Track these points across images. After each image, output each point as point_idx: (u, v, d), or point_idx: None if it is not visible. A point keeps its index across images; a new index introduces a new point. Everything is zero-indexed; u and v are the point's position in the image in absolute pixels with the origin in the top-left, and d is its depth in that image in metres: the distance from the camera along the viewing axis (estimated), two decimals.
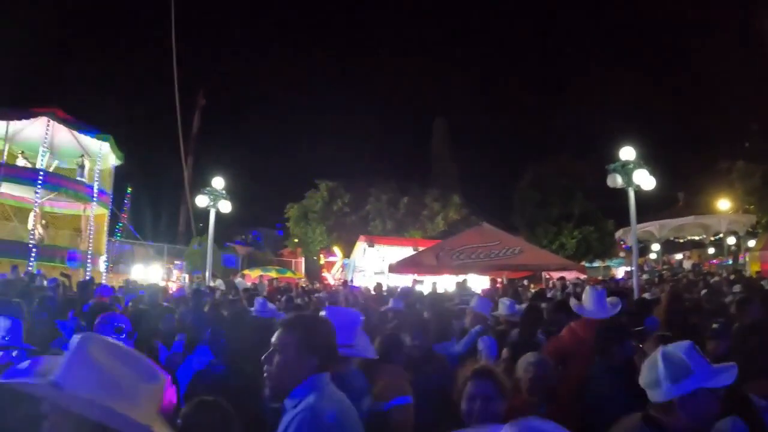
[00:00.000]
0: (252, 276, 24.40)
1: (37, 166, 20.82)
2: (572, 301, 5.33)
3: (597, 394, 3.82)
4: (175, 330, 6.28)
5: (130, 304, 10.17)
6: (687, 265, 30.68)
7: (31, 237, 19.97)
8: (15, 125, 20.28)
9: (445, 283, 16.16)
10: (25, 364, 1.54)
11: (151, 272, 23.98)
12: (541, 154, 42.14)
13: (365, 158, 44.89)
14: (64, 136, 21.59)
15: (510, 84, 72.83)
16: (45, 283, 13.06)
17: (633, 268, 11.81)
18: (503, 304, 7.20)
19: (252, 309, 7.07)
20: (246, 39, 77.19)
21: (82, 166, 22.42)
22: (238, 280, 19.98)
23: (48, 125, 20.35)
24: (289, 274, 29.06)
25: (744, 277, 16.17)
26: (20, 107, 20.94)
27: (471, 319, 6.38)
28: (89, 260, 21.75)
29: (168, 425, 1.64)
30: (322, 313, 3.52)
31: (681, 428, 2.29)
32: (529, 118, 62.01)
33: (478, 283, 16.31)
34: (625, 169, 10.46)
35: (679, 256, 36.66)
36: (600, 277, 23.59)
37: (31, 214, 20.55)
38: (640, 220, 12.17)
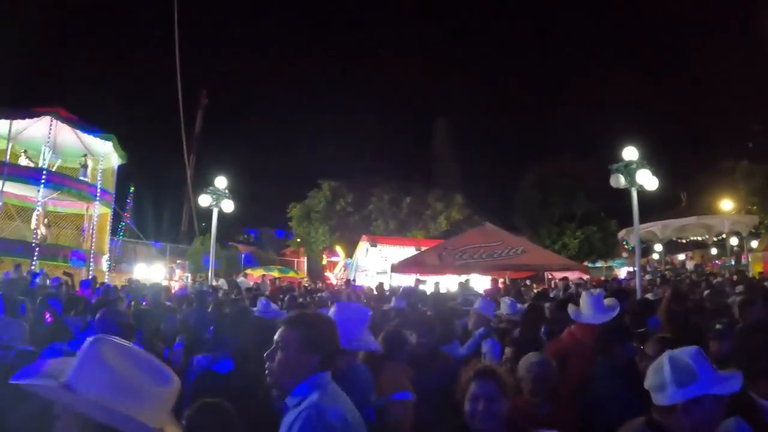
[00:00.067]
0: (254, 275, 24.43)
1: (40, 165, 20.87)
2: (570, 307, 5.31)
3: (598, 395, 3.82)
4: (177, 330, 6.30)
5: (132, 303, 10.21)
6: (690, 265, 30.68)
7: (34, 236, 20.02)
8: (18, 124, 20.31)
9: (448, 283, 16.16)
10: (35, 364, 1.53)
11: (154, 271, 24.02)
12: (543, 154, 42.17)
13: (367, 158, 44.95)
14: (67, 135, 21.62)
15: (511, 84, 73.03)
16: (48, 282, 13.10)
17: (636, 269, 11.79)
18: (505, 303, 7.21)
19: (254, 309, 7.08)
20: (247, 39, 77.50)
21: (85, 166, 22.45)
22: (240, 279, 19.99)
23: (51, 124, 20.37)
24: (291, 274, 29.11)
25: (747, 278, 16.15)
26: (23, 106, 20.98)
27: (474, 320, 6.38)
28: (92, 259, 21.80)
29: (181, 427, 1.63)
30: (330, 310, 3.54)
31: None
32: (531, 118, 62.16)
33: (481, 283, 16.31)
34: (628, 170, 10.43)
35: (681, 257, 36.64)
36: (602, 278, 23.52)
37: (34, 214, 20.60)
38: (642, 221, 12.15)
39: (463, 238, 18.05)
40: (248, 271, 27.47)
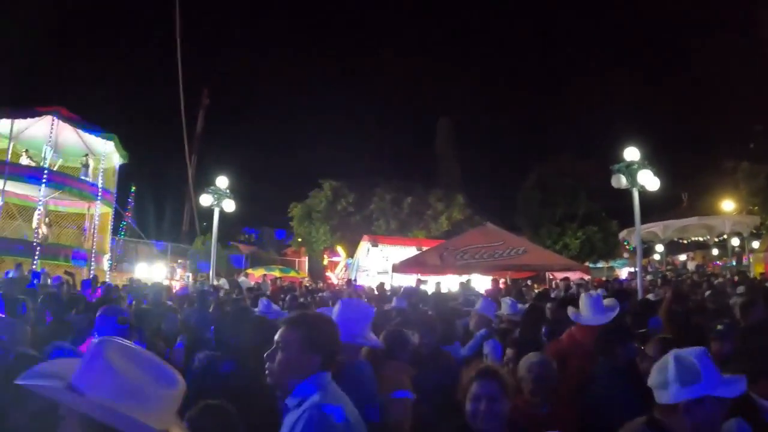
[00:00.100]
0: (255, 275, 24.43)
1: (41, 164, 20.88)
2: (569, 309, 5.30)
3: (599, 395, 3.82)
4: (179, 331, 6.30)
5: (133, 302, 10.22)
6: (691, 266, 30.71)
7: (36, 235, 20.02)
8: (20, 124, 20.33)
9: (449, 283, 16.16)
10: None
11: (155, 271, 24.03)
12: (544, 154, 42.12)
13: (368, 158, 44.93)
14: (68, 134, 21.64)
15: (511, 84, 73.03)
16: (49, 281, 13.12)
17: (637, 269, 11.77)
18: (505, 304, 7.21)
19: (255, 309, 7.08)
20: (247, 39, 77.52)
21: (86, 165, 22.47)
22: (241, 279, 19.99)
23: (52, 124, 20.39)
24: (292, 274, 29.12)
25: (748, 279, 16.15)
26: (25, 106, 20.99)
27: (476, 321, 6.38)
28: (93, 259, 21.82)
29: (186, 430, 1.63)
30: (334, 307, 3.55)
31: None
32: (532, 118, 62.05)
33: (482, 283, 16.31)
34: (630, 170, 10.42)
35: (683, 257, 36.64)
36: (604, 278, 23.51)
37: (36, 213, 20.62)
38: (643, 221, 12.13)
39: (464, 238, 18.05)
40: (249, 270, 27.48)
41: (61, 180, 21.21)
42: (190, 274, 25.77)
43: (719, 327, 4.32)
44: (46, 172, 20.27)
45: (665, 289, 11.04)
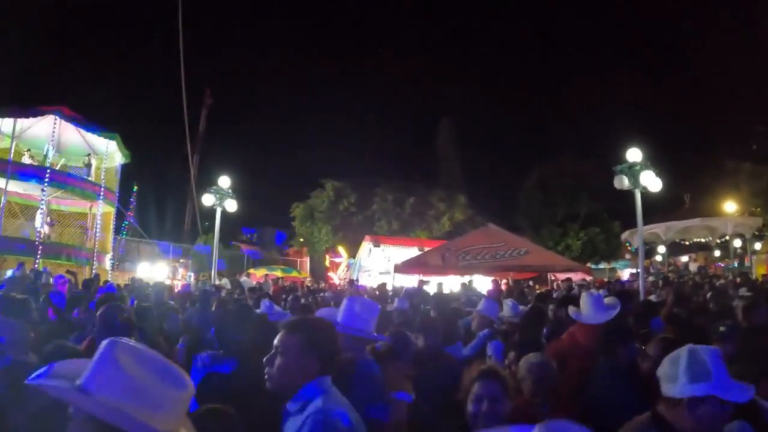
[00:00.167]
0: (257, 275, 24.44)
1: (43, 163, 20.92)
2: (570, 308, 5.29)
3: (600, 395, 3.82)
4: (181, 331, 6.30)
5: (135, 302, 10.22)
6: (693, 267, 30.58)
7: (38, 234, 20.07)
8: (22, 123, 20.39)
9: (451, 283, 16.15)
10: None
11: (157, 270, 24.06)
12: (546, 154, 42.14)
13: (369, 158, 44.87)
14: (71, 134, 21.71)
15: (512, 84, 72.97)
16: (51, 280, 13.12)
17: (639, 270, 11.74)
18: (507, 306, 7.21)
19: (257, 311, 7.07)
20: (248, 39, 77.69)
21: (89, 165, 22.53)
22: (243, 279, 19.98)
23: (55, 123, 20.43)
24: (294, 274, 29.12)
25: (750, 280, 16.10)
26: (28, 105, 21.04)
27: (478, 322, 6.38)
28: (95, 258, 21.85)
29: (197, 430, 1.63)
30: (333, 309, 3.56)
31: (687, 430, 2.28)
32: (533, 118, 62.09)
33: (484, 284, 16.30)
34: (632, 171, 10.40)
35: (684, 259, 36.53)
36: (605, 279, 23.48)
37: (38, 212, 20.65)
38: (645, 222, 12.08)
39: (466, 238, 18.05)
40: (251, 270, 27.49)
41: (64, 179, 21.27)
42: (192, 274, 25.79)
43: (721, 328, 4.32)
44: (48, 171, 20.31)
45: (667, 290, 11.03)
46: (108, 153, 22.89)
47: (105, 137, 22.11)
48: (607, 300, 5.24)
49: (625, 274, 32.35)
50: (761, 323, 5.06)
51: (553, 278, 19.12)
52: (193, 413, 2.52)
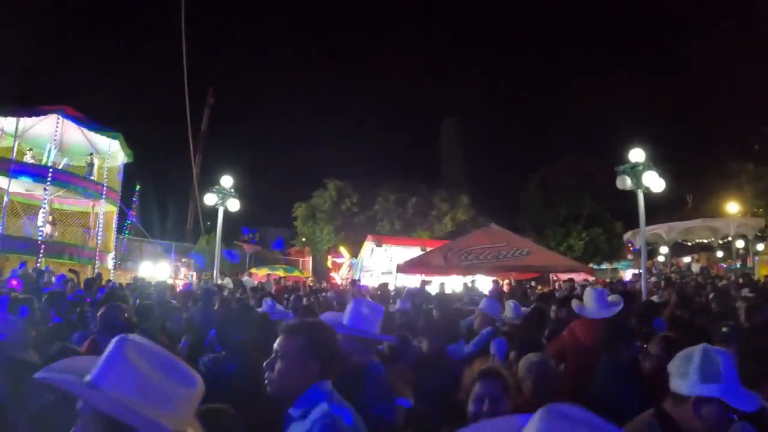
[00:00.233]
0: (259, 275, 24.45)
1: (44, 162, 20.95)
2: (574, 302, 5.29)
3: (602, 393, 3.81)
4: (183, 330, 6.30)
5: (137, 302, 10.22)
6: (695, 268, 30.49)
7: (40, 234, 20.11)
8: (25, 122, 20.41)
9: (453, 283, 16.14)
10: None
11: (159, 270, 24.08)
12: (548, 154, 42.10)
13: (370, 158, 45.02)
14: (73, 133, 21.72)
15: (513, 84, 73.10)
16: (53, 279, 13.14)
17: (641, 271, 11.73)
18: (509, 307, 7.20)
19: (259, 310, 7.07)
20: (249, 40, 77.88)
21: (91, 164, 22.55)
22: (245, 278, 20.00)
23: (57, 122, 20.47)
24: (296, 273, 29.11)
25: (752, 281, 16.07)
26: (30, 104, 21.07)
27: (480, 320, 6.37)
28: (97, 257, 21.88)
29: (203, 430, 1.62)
30: (334, 311, 3.57)
31: (690, 429, 2.28)
32: (534, 118, 62.13)
33: (487, 284, 16.28)
34: (635, 171, 10.39)
35: (687, 259, 36.44)
36: (608, 280, 23.47)
37: (41, 211, 20.69)
38: (648, 223, 12.08)
39: (468, 238, 18.02)
40: (253, 270, 27.50)
41: (66, 178, 21.31)
42: (194, 273, 25.80)
43: (724, 329, 4.31)
44: (50, 170, 20.34)
45: (669, 291, 11.01)
46: (110, 152, 22.94)
47: (108, 136, 22.15)
48: (610, 297, 5.25)
49: (628, 274, 32.32)
50: (763, 324, 5.05)
51: (555, 279, 19.10)
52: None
